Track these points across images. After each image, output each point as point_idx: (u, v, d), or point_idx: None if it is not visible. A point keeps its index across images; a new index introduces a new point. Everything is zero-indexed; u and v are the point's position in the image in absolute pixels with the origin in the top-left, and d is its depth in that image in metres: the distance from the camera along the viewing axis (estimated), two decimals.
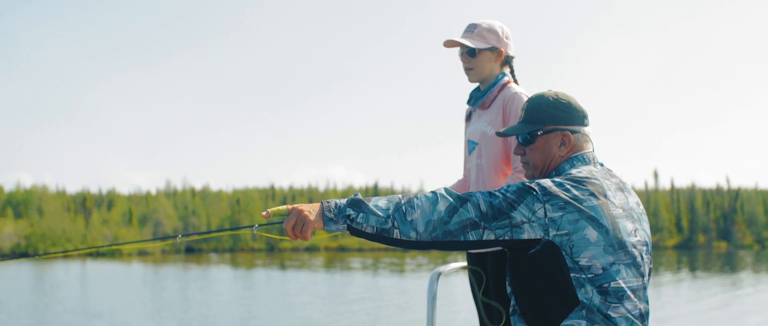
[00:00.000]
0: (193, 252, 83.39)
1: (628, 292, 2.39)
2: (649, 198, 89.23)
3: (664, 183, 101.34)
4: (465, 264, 3.87)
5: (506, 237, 2.34)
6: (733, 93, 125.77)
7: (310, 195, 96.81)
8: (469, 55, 3.72)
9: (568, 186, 2.37)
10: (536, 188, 2.35)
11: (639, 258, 2.42)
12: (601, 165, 2.61)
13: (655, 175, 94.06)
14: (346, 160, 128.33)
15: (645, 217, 2.54)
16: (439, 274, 3.66)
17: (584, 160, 2.57)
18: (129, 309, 23.70)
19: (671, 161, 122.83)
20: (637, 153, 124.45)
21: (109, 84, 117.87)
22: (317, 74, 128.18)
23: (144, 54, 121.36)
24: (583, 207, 2.35)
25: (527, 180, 2.46)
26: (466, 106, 3.92)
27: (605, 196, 2.41)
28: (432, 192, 2.37)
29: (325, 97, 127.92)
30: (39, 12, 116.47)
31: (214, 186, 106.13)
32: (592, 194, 2.38)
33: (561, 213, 2.33)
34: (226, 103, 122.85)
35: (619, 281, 2.37)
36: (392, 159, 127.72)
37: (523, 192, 2.35)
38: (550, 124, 2.57)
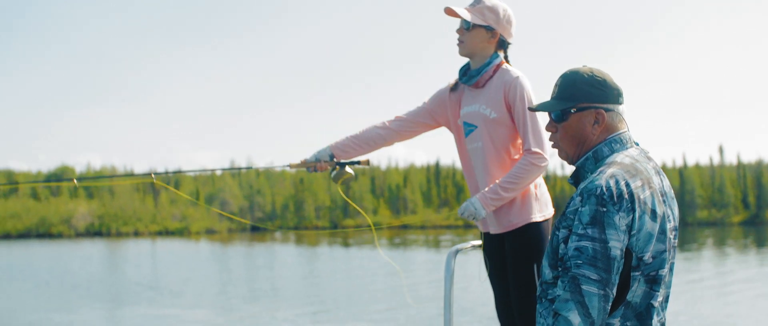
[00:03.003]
0: (258, 231, 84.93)
1: (666, 278, 2.41)
2: (714, 174, 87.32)
3: (730, 159, 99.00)
4: (480, 242, 3.86)
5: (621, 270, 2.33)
6: None
7: (371, 173, 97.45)
8: (464, 28, 3.66)
9: (624, 183, 2.33)
10: (602, 201, 2.29)
11: (670, 244, 2.41)
12: (637, 144, 2.55)
13: (721, 151, 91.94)
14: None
15: (675, 201, 2.50)
16: (457, 251, 3.66)
17: (622, 142, 2.49)
18: (197, 284, 24.52)
19: (737, 136, 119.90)
20: (701, 128, 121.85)
21: (170, 64, 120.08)
22: (379, 51, 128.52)
23: (205, 32, 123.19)
24: (644, 200, 2.33)
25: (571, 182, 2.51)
26: (455, 79, 3.84)
27: (651, 183, 2.39)
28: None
29: (387, 74, 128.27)
30: None
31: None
32: (645, 183, 2.36)
33: (632, 216, 2.30)
34: (286, 82, 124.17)
35: (665, 268, 2.39)
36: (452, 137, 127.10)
37: (598, 217, 2.29)
38: (583, 102, 2.48)
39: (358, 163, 4.04)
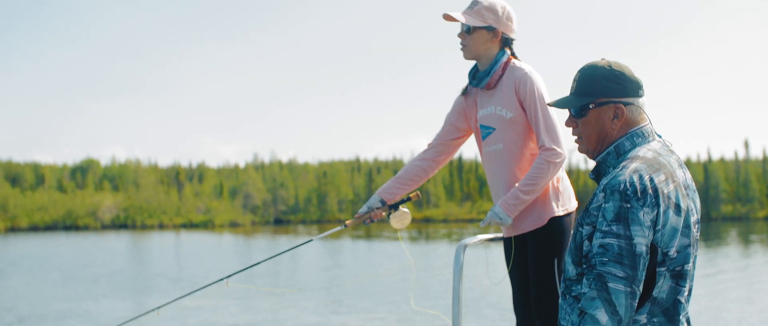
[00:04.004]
0: (281, 223, 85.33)
1: (690, 273, 2.41)
2: (739, 168, 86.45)
3: (756, 153, 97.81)
4: (490, 236, 3.88)
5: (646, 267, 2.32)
6: None
7: (394, 166, 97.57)
8: (465, 31, 3.66)
9: (647, 177, 2.31)
10: (626, 197, 2.28)
11: (694, 238, 2.39)
12: (659, 136, 2.52)
13: (746, 145, 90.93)
14: (430, 131, 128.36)
15: (697, 194, 2.47)
16: (466, 246, 3.64)
17: (643, 136, 2.46)
18: (222, 276, 24.72)
19: (763, 131, 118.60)
20: (726, 122, 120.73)
21: (195, 57, 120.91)
22: (402, 46, 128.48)
23: (230, 25, 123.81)
24: (667, 195, 2.31)
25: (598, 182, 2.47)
26: (466, 84, 3.84)
27: (675, 177, 2.37)
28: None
29: (410, 69, 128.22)
30: None
31: (301, 159, 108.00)
32: (669, 178, 2.35)
33: (656, 211, 2.29)
34: (309, 76, 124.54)
35: (690, 262, 2.38)
36: None
37: (622, 213, 2.28)
38: (602, 96, 2.45)
39: (409, 199, 4.02)
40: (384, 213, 3.97)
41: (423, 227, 69.73)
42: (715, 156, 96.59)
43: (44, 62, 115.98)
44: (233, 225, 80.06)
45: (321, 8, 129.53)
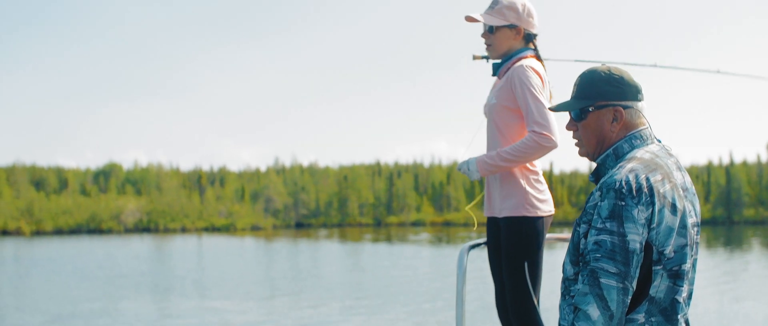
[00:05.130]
0: (303, 227, 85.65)
1: (689, 274, 2.42)
2: (761, 172, 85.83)
3: None
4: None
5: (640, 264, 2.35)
6: None
7: (415, 171, 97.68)
8: (488, 31, 3.72)
9: (643, 177, 2.35)
10: (621, 195, 2.32)
11: (692, 240, 2.42)
12: (659, 141, 2.55)
13: None
14: (450, 135, 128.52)
15: (696, 197, 2.51)
16: (470, 248, 3.66)
17: (642, 138, 2.50)
18: (243, 278, 25.05)
19: None
20: (748, 126, 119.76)
21: (215, 59, 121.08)
22: (424, 49, 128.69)
23: (250, 27, 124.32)
24: (663, 194, 2.34)
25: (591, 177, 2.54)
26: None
27: (672, 178, 2.40)
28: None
29: (431, 72, 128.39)
30: None
31: (322, 163, 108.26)
32: (665, 178, 2.38)
33: (651, 209, 2.32)
34: (329, 79, 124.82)
35: (688, 263, 2.39)
36: None
37: (617, 211, 2.32)
38: (601, 100, 2.50)
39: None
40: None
41: (444, 230, 69.74)
42: (738, 159, 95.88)
43: (62, 65, 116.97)
44: (255, 229, 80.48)
45: (342, 10, 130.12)
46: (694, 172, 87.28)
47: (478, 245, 3.77)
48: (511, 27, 3.67)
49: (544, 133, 3.55)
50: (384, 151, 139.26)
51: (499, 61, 3.78)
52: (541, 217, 3.65)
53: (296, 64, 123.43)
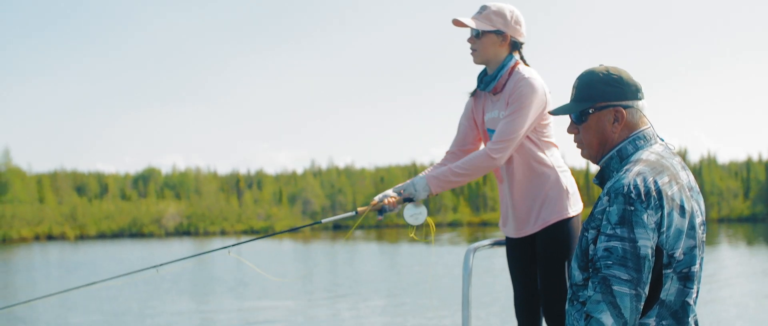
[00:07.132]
0: (340, 229, 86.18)
1: (698, 275, 2.41)
2: None
3: None
4: (498, 239, 3.87)
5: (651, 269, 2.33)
6: None
7: None
8: (474, 36, 3.69)
9: (651, 180, 2.33)
10: (630, 200, 2.30)
11: (699, 240, 2.40)
12: (662, 140, 2.54)
13: None
14: None
15: (701, 195, 2.49)
16: (475, 250, 3.64)
17: (645, 139, 2.48)
18: (283, 279, 25.45)
19: None
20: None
21: (250, 63, 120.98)
22: (459, 51, 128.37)
23: (283, 32, 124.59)
24: (671, 196, 2.33)
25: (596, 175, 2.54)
26: (475, 87, 3.87)
27: (678, 179, 2.39)
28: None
29: (467, 73, 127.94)
30: None
31: (358, 165, 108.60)
32: (673, 179, 2.36)
33: (661, 213, 2.29)
34: (364, 81, 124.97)
35: (697, 264, 2.38)
36: None
37: (626, 216, 2.29)
38: (601, 101, 2.47)
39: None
40: (396, 203, 3.74)
41: (481, 230, 69.72)
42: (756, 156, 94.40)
43: (98, 72, 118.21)
44: (292, 231, 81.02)
45: (379, 11, 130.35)
46: (734, 169, 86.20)
47: (483, 246, 3.76)
48: (498, 33, 3.65)
49: (497, 156, 3.55)
50: (420, 152, 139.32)
51: (483, 66, 3.77)
52: (577, 215, 3.68)
53: (331, 66, 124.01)
